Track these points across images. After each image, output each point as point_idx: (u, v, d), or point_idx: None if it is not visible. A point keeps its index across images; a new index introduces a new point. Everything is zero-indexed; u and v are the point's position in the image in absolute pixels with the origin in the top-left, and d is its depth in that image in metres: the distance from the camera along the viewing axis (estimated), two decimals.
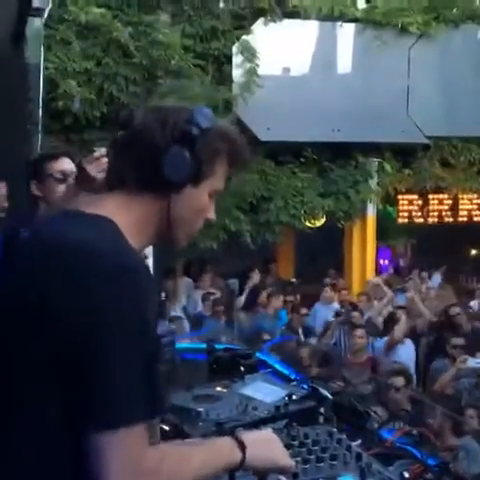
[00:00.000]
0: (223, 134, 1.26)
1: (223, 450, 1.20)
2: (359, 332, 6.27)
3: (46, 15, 6.27)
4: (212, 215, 1.30)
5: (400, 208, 10.20)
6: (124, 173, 1.21)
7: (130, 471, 1.04)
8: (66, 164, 2.44)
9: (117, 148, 1.24)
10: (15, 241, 1.34)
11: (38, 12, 5.73)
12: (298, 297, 8.40)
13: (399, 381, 4.99)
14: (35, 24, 5.85)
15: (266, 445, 1.27)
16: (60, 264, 1.10)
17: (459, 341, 6.05)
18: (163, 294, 8.20)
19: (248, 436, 1.24)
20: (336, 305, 8.09)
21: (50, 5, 6.11)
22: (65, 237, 1.13)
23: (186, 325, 7.39)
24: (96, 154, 2.08)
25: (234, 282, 9.10)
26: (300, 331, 7.37)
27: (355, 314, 7.09)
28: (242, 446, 1.20)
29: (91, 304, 1.06)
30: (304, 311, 7.88)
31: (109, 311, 1.06)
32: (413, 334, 6.73)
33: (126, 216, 1.19)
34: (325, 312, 7.91)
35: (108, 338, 1.05)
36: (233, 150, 1.26)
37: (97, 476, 1.04)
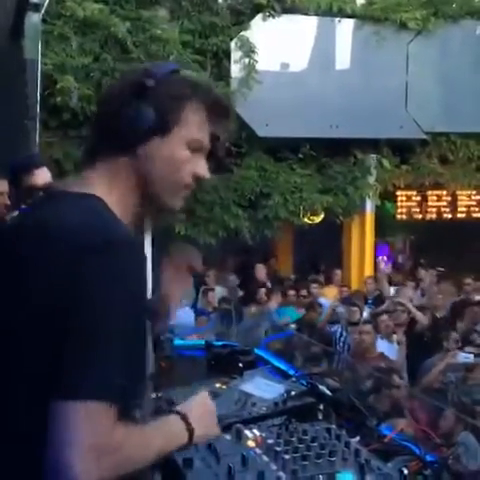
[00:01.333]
0: (184, 81, 1.22)
1: (175, 434, 1.21)
2: (367, 328, 6.23)
3: (44, 10, 6.25)
4: (201, 170, 1.24)
5: (399, 204, 10.21)
6: (94, 144, 1.21)
7: (91, 444, 1.01)
8: (40, 179, 2.46)
9: (91, 121, 1.26)
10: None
11: (36, 7, 5.71)
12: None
13: (398, 379, 4.99)
14: (33, 19, 5.82)
15: (208, 421, 1.27)
16: (45, 242, 1.08)
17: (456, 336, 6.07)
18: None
19: (193, 414, 1.24)
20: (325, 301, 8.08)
21: (47, 0, 6.09)
22: (49, 217, 1.12)
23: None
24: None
25: (233, 278, 9.13)
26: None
27: (354, 309, 7.09)
28: (189, 427, 1.21)
29: (75, 279, 1.03)
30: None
31: (94, 286, 1.03)
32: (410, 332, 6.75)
33: (108, 189, 1.17)
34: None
35: (92, 312, 1.03)
36: (201, 95, 1.21)
37: (56, 443, 1.00)
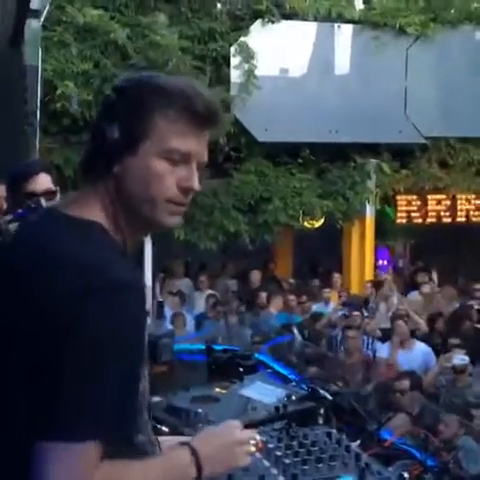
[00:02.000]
0: (152, 89, 1.12)
1: (179, 468, 1.13)
2: (351, 333, 6.27)
3: (44, 17, 6.26)
4: (186, 181, 1.14)
5: (398, 208, 10.20)
6: (83, 164, 1.18)
7: None
8: (38, 185, 2.47)
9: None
10: None
11: (36, 14, 5.72)
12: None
13: (404, 384, 4.98)
14: (33, 26, 5.83)
15: (223, 452, 1.18)
16: (44, 275, 1.05)
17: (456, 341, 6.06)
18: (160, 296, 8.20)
19: (204, 447, 1.16)
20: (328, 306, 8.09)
21: (48, 7, 6.11)
22: (50, 246, 1.08)
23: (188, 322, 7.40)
24: None
25: (233, 283, 9.13)
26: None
27: (355, 314, 7.09)
28: (198, 463, 1.13)
29: (70, 317, 1.00)
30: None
31: (89, 326, 1.00)
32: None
33: (103, 211, 1.14)
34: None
35: (82, 351, 1.00)
36: (175, 101, 1.11)
37: None
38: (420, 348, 6.42)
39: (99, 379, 1.00)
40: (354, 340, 6.21)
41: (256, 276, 8.99)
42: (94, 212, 1.14)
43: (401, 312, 6.92)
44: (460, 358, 5.45)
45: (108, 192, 1.14)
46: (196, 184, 1.17)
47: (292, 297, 8.15)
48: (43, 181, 2.49)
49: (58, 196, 2.47)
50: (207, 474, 1.15)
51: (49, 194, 2.44)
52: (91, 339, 1.00)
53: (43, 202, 2.40)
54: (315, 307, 8.11)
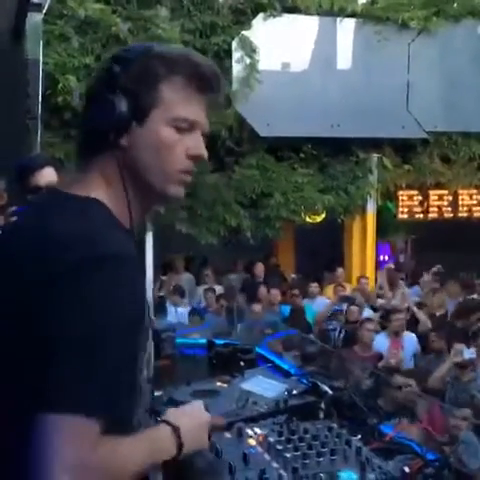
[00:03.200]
0: (156, 59, 1.11)
1: (163, 448, 1.15)
2: (369, 325, 6.24)
3: (45, 10, 6.25)
4: (195, 149, 1.14)
5: (400, 204, 10.20)
6: (81, 144, 1.16)
7: (72, 462, 0.97)
8: (43, 179, 2.47)
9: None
10: None
11: (37, 7, 5.72)
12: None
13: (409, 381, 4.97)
14: (34, 19, 5.83)
15: (199, 435, 1.22)
16: (42, 251, 1.04)
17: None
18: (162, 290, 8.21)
19: (185, 427, 1.18)
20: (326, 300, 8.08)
21: (49, 0, 6.09)
22: (48, 224, 1.07)
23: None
24: None
25: (234, 277, 9.14)
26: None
27: (353, 308, 7.10)
28: (179, 439, 1.16)
29: (64, 292, 1.00)
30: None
31: (84, 299, 1.00)
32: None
33: (106, 188, 1.12)
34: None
35: (79, 324, 1.00)
36: (180, 70, 1.11)
37: (38, 460, 0.97)
38: (409, 336, 6.45)
39: (100, 353, 1.00)
40: (370, 334, 6.17)
41: (259, 268, 9.01)
42: (93, 190, 1.13)
43: (400, 306, 6.94)
44: (470, 352, 5.46)
45: (115, 167, 1.12)
46: (205, 152, 1.16)
47: (295, 291, 8.15)
48: (47, 175, 2.49)
49: None
50: (184, 452, 1.17)
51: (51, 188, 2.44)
52: (88, 310, 1.00)
53: None
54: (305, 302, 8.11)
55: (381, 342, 6.36)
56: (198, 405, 1.27)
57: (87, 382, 0.99)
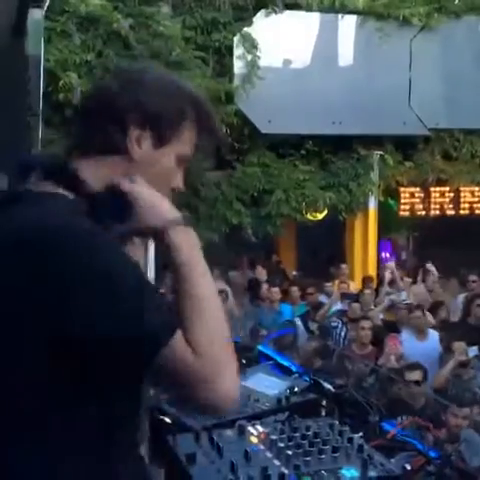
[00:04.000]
0: (188, 97, 1.21)
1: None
2: (364, 324, 6.23)
3: (46, 7, 6.24)
4: (180, 184, 1.24)
5: (402, 201, 10.19)
6: (85, 138, 1.18)
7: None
8: None
9: (81, 114, 1.23)
10: None
11: (38, 3, 5.70)
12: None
13: (413, 375, 4.94)
14: (35, 16, 5.80)
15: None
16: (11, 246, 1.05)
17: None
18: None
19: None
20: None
21: None
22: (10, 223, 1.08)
23: None
24: None
25: (236, 274, 9.13)
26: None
27: (355, 305, 7.09)
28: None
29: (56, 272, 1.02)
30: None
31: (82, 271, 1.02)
32: None
33: (95, 179, 1.16)
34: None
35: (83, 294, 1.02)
36: (200, 114, 1.21)
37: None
38: (434, 337, 6.39)
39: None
40: (366, 332, 6.16)
41: (260, 270, 8.98)
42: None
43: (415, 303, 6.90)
44: (473, 350, 5.45)
45: (116, 168, 1.17)
46: (182, 186, 1.25)
47: (295, 288, 8.15)
48: None
49: None
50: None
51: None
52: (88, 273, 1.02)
53: None
54: (321, 299, 8.08)
55: (406, 340, 6.29)
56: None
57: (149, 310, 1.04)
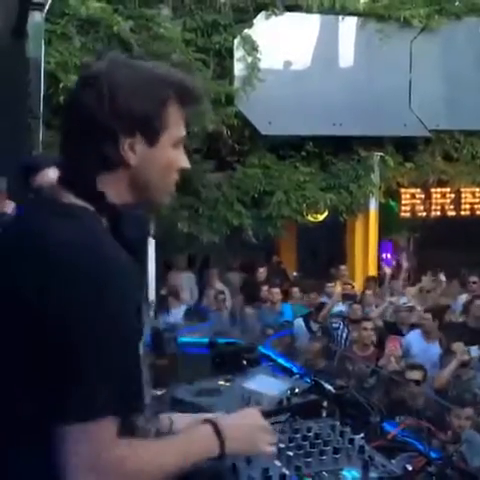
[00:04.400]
0: (166, 83, 1.15)
1: (200, 443, 1.16)
2: (366, 325, 6.23)
3: (47, 9, 6.26)
4: (185, 163, 1.21)
5: (402, 202, 10.19)
6: (80, 156, 1.14)
7: (89, 466, 1.01)
8: (45, 177, 2.46)
9: (66, 137, 1.16)
10: None
11: (39, 6, 5.72)
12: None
13: (414, 375, 4.94)
14: (36, 18, 5.84)
15: (246, 431, 1.23)
16: (24, 263, 1.06)
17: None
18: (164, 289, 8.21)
19: (228, 423, 1.20)
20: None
21: None
22: (39, 230, 1.09)
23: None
24: None
25: (236, 276, 9.14)
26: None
27: (356, 307, 7.09)
28: (220, 437, 1.17)
29: (62, 299, 1.03)
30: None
31: (81, 305, 1.03)
32: None
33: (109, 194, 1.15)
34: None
35: (82, 332, 1.02)
36: (181, 92, 1.16)
37: (60, 468, 1.01)
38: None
39: (99, 356, 1.02)
40: (368, 333, 6.16)
41: (261, 271, 8.98)
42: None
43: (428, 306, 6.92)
44: (474, 350, 5.44)
45: (117, 179, 1.15)
46: (188, 163, 1.22)
47: (295, 289, 8.15)
48: (50, 175, 2.47)
49: None
50: (229, 452, 1.17)
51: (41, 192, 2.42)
52: (82, 315, 1.02)
53: None
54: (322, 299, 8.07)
55: (414, 340, 6.30)
56: (252, 410, 1.29)
57: (99, 385, 1.02)
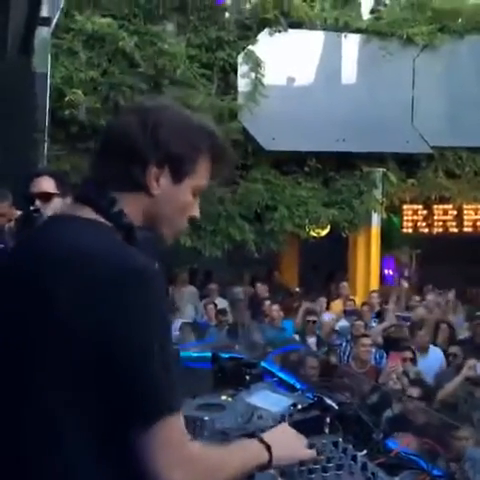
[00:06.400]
0: (203, 133, 1.25)
1: (254, 452, 1.27)
2: (365, 341, 6.22)
3: (53, 25, 6.32)
4: (196, 212, 1.30)
5: (405, 218, 10.20)
6: (107, 174, 1.21)
7: (176, 463, 1.08)
8: (36, 186, 2.47)
9: (102, 150, 1.24)
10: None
11: (46, 22, 5.78)
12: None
13: (414, 392, 4.92)
14: (42, 34, 5.89)
15: (286, 441, 1.34)
16: (68, 272, 1.10)
17: (455, 349, 6.04)
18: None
19: (269, 436, 1.31)
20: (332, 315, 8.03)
21: (58, 15, 6.16)
22: (65, 245, 1.13)
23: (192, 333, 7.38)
24: None
25: (238, 291, 9.12)
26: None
27: (358, 323, 7.08)
28: (267, 447, 1.28)
29: (112, 311, 1.08)
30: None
31: (132, 315, 1.08)
32: None
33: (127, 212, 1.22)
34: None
35: (133, 340, 1.08)
36: (214, 147, 1.26)
37: (148, 473, 1.07)
38: (435, 352, 6.40)
39: (154, 358, 1.10)
40: (366, 349, 6.15)
41: (261, 288, 8.96)
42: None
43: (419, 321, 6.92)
44: None
45: (134, 203, 1.21)
46: (198, 213, 1.32)
47: (297, 305, 8.12)
48: (41, 183, 2.48)
49: (57, 200, 2.44)
50: (276, 458, 1.29)
51: (44, 196, 2.43)
52: (136, 322, 1.08)
53: (38, 204, 2.40)
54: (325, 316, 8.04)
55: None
56: (284, 425, 1.44)
57: (164, 384, 1.11)
